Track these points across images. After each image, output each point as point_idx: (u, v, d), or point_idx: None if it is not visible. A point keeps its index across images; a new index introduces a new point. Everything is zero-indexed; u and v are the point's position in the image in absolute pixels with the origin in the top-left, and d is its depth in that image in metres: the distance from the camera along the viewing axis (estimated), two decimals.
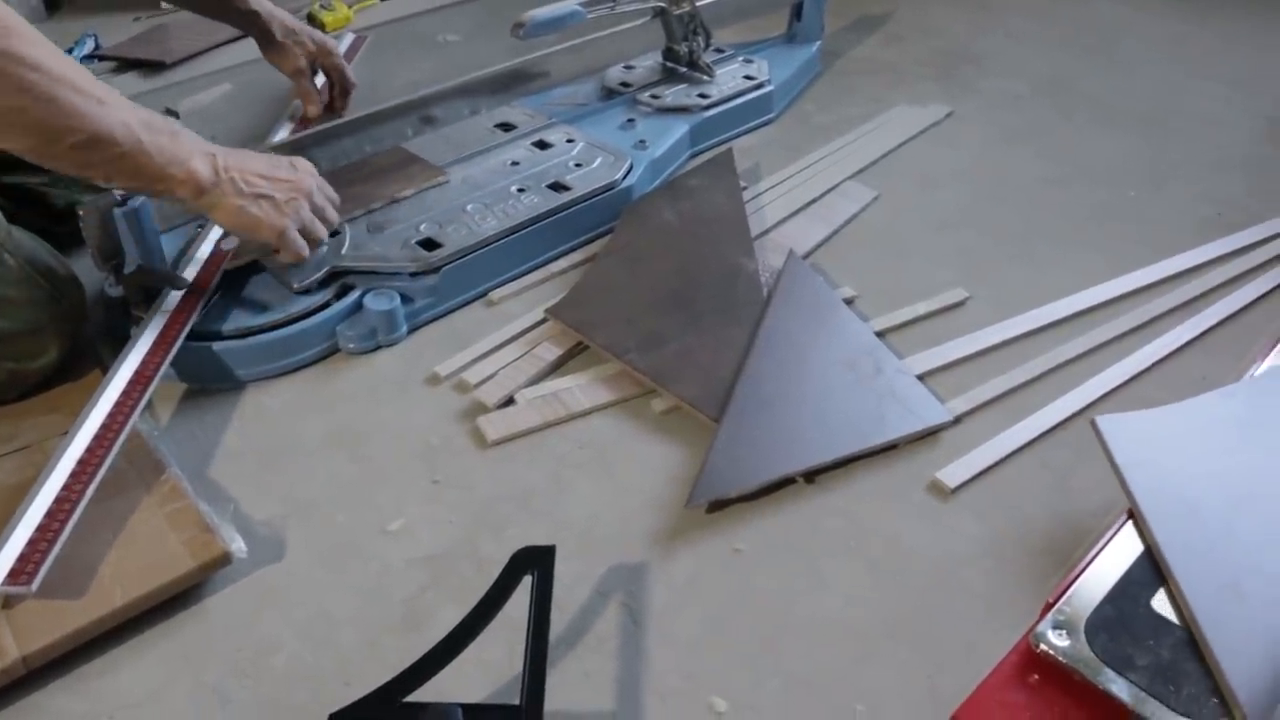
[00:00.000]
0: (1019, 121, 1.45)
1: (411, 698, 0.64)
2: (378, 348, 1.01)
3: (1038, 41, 1.73)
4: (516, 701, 0.67)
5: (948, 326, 1.04)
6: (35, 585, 0.71)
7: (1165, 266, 1.13)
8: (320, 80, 1.36)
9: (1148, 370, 0.99)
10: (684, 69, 1.37)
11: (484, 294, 1.08)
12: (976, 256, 1.15)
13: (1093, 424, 0.82)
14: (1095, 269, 1.12)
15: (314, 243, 0.99)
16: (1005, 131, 1.43)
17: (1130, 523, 0.76)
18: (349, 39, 1.58)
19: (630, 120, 1.28)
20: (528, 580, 0.70)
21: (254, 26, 1.31)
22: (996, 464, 0.89)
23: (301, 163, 1.01)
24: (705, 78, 1.36)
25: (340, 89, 1.38)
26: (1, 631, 0.71)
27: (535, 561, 0.71)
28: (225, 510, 0.82)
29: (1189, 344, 1.02)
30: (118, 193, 0.92)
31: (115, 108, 0.82)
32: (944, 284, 1.10)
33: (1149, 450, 0.81)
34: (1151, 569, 0.73)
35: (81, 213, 0.91)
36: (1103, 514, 0.84)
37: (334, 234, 1.03)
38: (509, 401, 0.94)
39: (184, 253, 1.02)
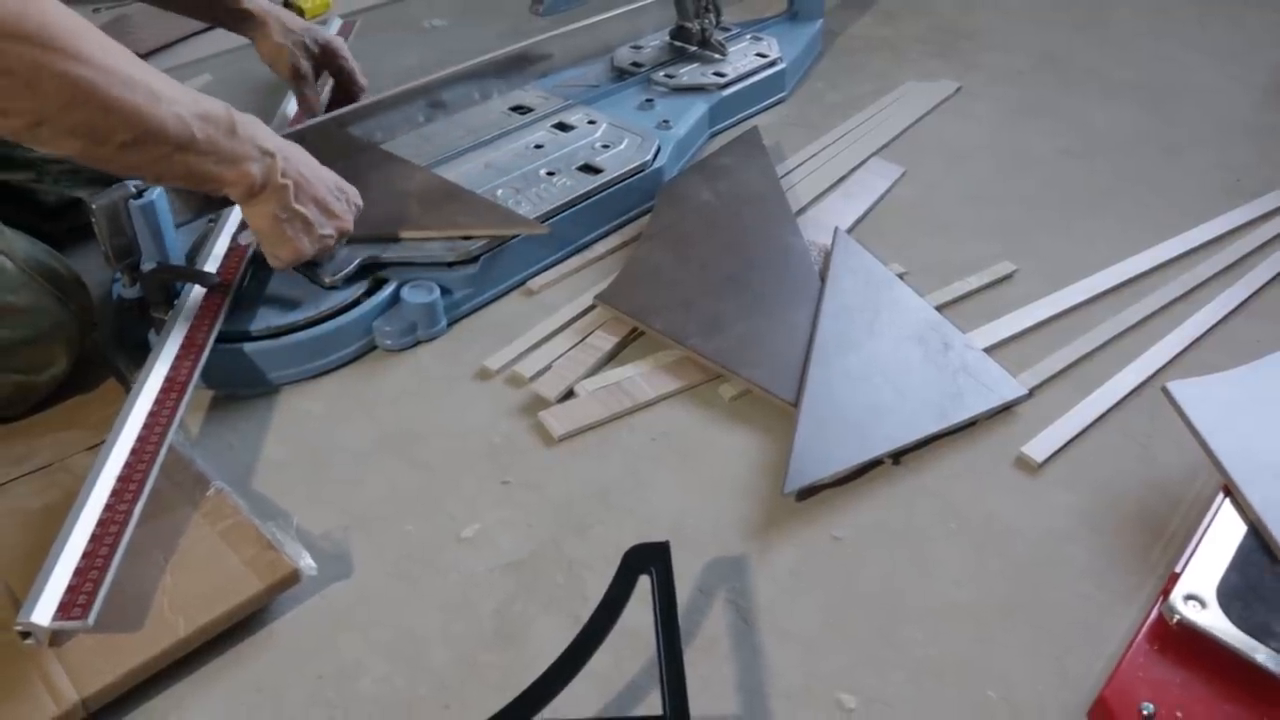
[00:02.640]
0: (1026, 95, 1.44)
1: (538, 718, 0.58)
2: (417, 343, 0.94)
3: (1029, 16, 1.72)
4: (654, 712, 0.62)
5: (999, 300, 1.02)
6: (92, 618, 0.63)
7: (1199, 233, 1.12)
8: (325, 86, 1.23)
9: (1202, 336, 0.98)
10: (694, 48, 1.32)
11: (522, 283, 1.02)
12: (1013, 229, 1.13)
13: (1165, 390, 0.80)
14: (1130, 237, 1.11)
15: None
16: (1015, 105, 1.41)
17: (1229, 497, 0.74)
18: (336, 23, 1.49)
19: (649, 100, 1.22)
20: (643, 583, 0.65)
21: (248, 28, 1.17)
22: (1077, 436, 0.86)
23: (356, 199, 0.92)
24: (717, 56, 1.31)
25: (348, 94, 1.22)
26: (55, 674, 0.64)
27: (650, 560, 0.66)
28: (288, 525, 0.74)
29: (1237, 309, 1.01)
30: (131, 184, 0.84)
31: (169, 101, 0.73)
32: (987, 257, 1.07)
33: (1227, 414, 0.79)
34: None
35: (94, 208, 0.83)
36: (1190, 479, 0.82)
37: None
38: (569, 394, 0.88)
39: (197, 249, 0.94)
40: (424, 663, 0.68)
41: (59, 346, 0.84)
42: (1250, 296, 1.02)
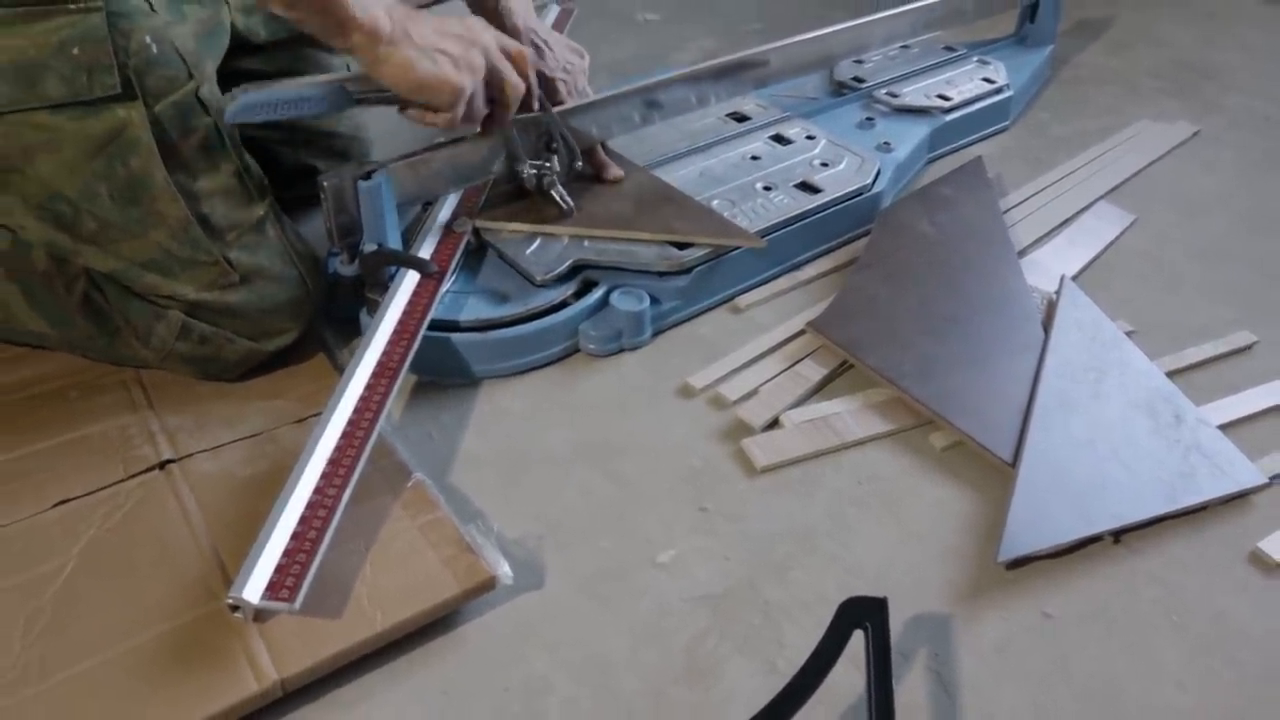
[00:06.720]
0: (1274, 147, 1.33)
1: None
2: (620, 350, 0.93)
3: (1278, 56, 1.59)
4: None
5: (1235, 373, 0.94)
6: (298, 602, 0.64)
7: None
8: None
9: None
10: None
11: (729, 299, 0.99)
12: (1254, 294, 1.04)
13: None
14: None
15: (502, 112, 0.86)
16: (1261, 156, 1.30)
17: None
18: (554, 10, 1.48)
19: (869, 119, 1.18)
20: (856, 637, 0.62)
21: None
22: None
23: (474, 19, 0.85)
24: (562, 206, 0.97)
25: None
26: (257, 650, 0.64)
27: (865, 615, 0.63)
28: (488, 530, 0.74)
29: None
30: (361, 166, 0.85)
31: None
32: (1223, 323, 0.99)
33: None
34: None
35: (323, 185, 0.84)
36: None
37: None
38: (774, 423, 0.85)
39: (409, 234, 0.94)
40: (612, 689, 0.66)
41: (290, 320, 0.87)
42: None
